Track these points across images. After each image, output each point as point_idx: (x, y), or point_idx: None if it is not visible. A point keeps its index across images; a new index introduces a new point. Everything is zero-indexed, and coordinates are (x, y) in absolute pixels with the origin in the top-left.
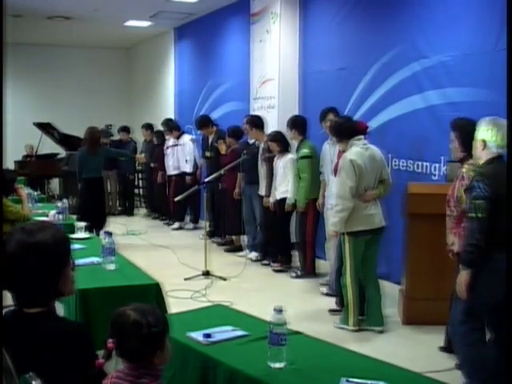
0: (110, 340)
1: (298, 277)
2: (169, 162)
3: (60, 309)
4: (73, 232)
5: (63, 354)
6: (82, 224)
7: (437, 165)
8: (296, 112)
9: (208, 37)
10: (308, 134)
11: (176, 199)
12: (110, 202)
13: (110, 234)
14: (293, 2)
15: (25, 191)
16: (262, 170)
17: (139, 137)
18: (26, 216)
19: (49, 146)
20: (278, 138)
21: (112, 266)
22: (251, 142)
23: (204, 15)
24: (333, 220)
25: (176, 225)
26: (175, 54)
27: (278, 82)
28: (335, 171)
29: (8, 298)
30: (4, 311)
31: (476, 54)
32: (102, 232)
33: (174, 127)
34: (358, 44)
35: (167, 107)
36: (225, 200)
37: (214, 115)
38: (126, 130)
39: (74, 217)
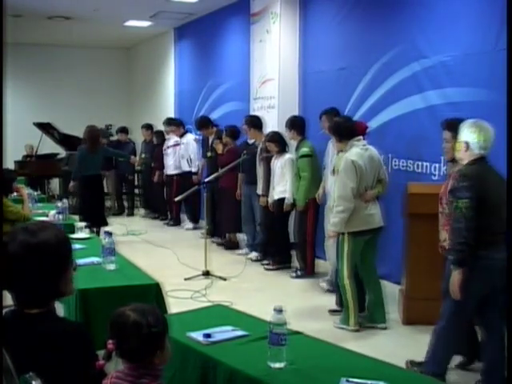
0: (110, 341)
1: (298, 277)
2: (169, 162)
3: (60, 309)
4: (73, 232)
5: (63, 354)
6: (82, 224)
7: (437, 165)
8: (296, 112)
9: (208, 37)
10: (308, 134)
11: (176, 199)
12: (108, 202)
13: (110, 233)
14: (293, 1)
15: (26, 191)
16: (260, 169)
17: (139, 137)
18: (27, 216)
19: (49, 146)
20: (276, 138)
21: (112, 266)
22: (251, 142)
23: (204, 15)
24: (333, 220)
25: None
26: (175, 54)
27: (278, 81)
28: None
29: (8, 298)
30: (4, 311)
31: (476, 54)
32: (102, 230)
33: (179, 124)
34: (358, 44)
35: (167, 107)
36: (222, 199)
37: (214, 115)
38: (124, 130)
39: (75, 217)
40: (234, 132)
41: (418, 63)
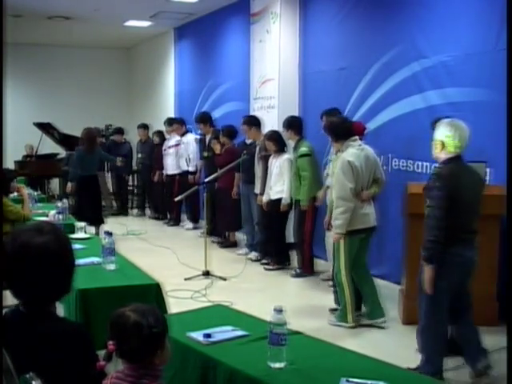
0: (111, 342)
1: (297, 275)
2: (170, 162)
3: (60, 309)
4: (73, 232)
5: (63, 355)
6: (82, 224)
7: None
8: (296, 112)
9: (208, 37)
10: (308, 134)
11: (176, 199)
12: (104, 202)
13: (110, 233)
14: (293, 1)
15: (26, 191)
16: (258, 168)
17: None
18: (26, 216)
19: (49, 146)
20: (275, 137)
21: (112, 266)
22: (248, 141)
23: (204, 15)
24: (337, 223)
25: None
26: (175, 54)
27: (278, 82)
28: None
29: (8, 298)
30: (4, 311)
31: (476, 54)
32: (100, 228)
33: (182, 123)
34: (358, 44)
35: (167, 107)
36: (220, 198)
37: (214, 115)
38: (119, 131)
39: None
40: (231, 132)
41: (418, 63)
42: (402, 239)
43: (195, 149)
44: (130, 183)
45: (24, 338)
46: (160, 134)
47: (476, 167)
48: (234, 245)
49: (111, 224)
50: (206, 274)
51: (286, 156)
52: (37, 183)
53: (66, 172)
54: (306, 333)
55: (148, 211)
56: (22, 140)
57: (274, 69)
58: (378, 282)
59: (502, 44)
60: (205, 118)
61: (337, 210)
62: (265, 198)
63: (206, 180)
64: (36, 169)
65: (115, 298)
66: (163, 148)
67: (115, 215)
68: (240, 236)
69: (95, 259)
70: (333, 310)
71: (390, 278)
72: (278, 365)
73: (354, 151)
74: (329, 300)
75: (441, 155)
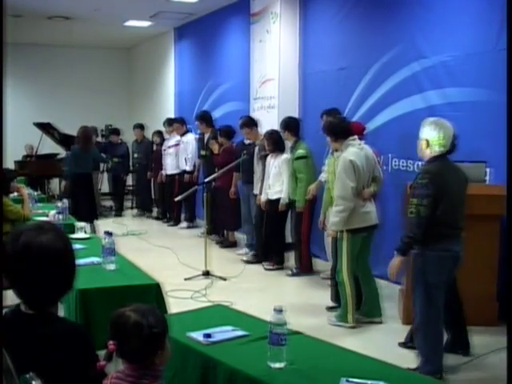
0: (111, 342)
1: (293, 274)
2: (169, 162)
3: (60, 309)
4: (73, 232)
5: (63, 355)
6: (82, 224)
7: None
8: (296, 112)
9: (208, 37)
10: (308, 135)
11: (176, 199)
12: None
13: (110, 233)
14: (293, 1)
15: (26, 191)
16: (258, 168)
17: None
18: (27, 216)
19: (49, 146)
20: (274, 137)
21: (112, 266)
22: (247, 142)
23: (204, 15)
24: (334, 220)
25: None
26: (175, 54)
27: (278, 82)
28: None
29: (8, 298)
30: (4, 311)
31: (476, 54)
32: (93, 224)
33: (183, 122)
34: (358, 44)
35: (167, 107)
36: (218, 197)
37: (214, 115)
38: (115, 132)
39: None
40: (228, 132)
41: (418, 63)
42: None
43: (194, 148)
44: (129, 183)
45: (24, 338)
46: (160, 134)
47: (472, 167)
48: (233, 244)
49: (111, 224)
50: (206, 274)
51: (284, 156)
52: (37, 183)
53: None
54: (307, 332)
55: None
56: (22, 140)
57: (274, 69)
58: (378, 281)
59: (502, 44)
60: (205, 117)
61: (336, 207)
62: (263, 198)
63: (206, 180)
64: (36, 169)
65: (115, 298)
66: (163, 148)
67: (107, 216)
68: (239, 235)
69: (95, 259)
70: (330, 308)
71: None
72: (278, 365)
73: (355, 150)
74: (329, 299)
75: (426, 154)
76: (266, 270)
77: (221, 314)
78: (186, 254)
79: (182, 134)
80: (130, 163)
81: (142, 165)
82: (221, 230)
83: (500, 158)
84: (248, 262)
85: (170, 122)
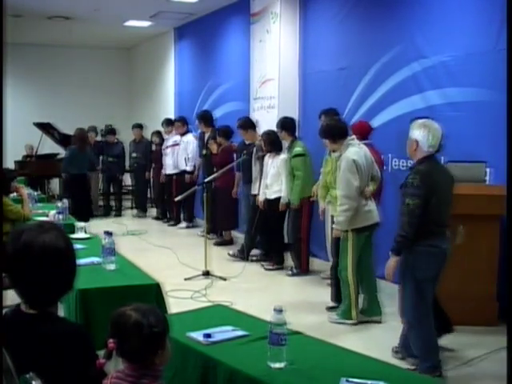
0: (111, 340)
1: (293, 274)
2: (168, 161)
3: (60, 309)
4: (73, 232)
5: (63, 355)
6: (82, 224)
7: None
8: (296, 112)
9: (208, 37)
10: (308, 134)
11: (176, 199)
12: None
13: (110, 233)
14: (293, 1)
15: (26, 191)
16: (255, 169)
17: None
18: (27, 216)
19: (49, 146)
20: (271, 137)
21: (112, 266)
22: (247, 142)
23: (204, 15)
24: (339, 219)
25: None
26: (175, 54)
27: (278, 82)
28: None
29: (8, 298)
30: (4, 311)
31: (476, 54)
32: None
33: (183, 122)
34: (358, 44)
35: (167, 107)
36: (217, 197)
37: (215, 115)
38: (112, 131)
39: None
40: (227, 132)
41: (418, 63)
42: None
43: (195, 148)
44: (127, 183)
45: (24, 338)
46: (159, 134)
47: (472, 167)
48: (229, 243)
49: (111, 224)
50: (206, 274)
51: (282, 156)
52: (37, 183)
53: None
54: (308, 331)
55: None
56: (22, 140)
57: (274, 69)
58: (379, 281)
59: (502, 44)
60: (205, 117)
61: (341, 207)
62: (261, 198)
63: (206, 180)
64: (36, 169)
65: (115, 298)
66: (163, 147)
67: (103, 216)
68: (236, 234)
69: (95, 259)
70: (330, 308)
71: None
72: (278, 365)
73: (357, 150)
74: (329, 298)
75: (415, 154)
76: (266, 269)
77: (221, 314)
78: (186, 254)
79: (183, 134)
80: (127, 163)
81: (140, 165)
82: (219, 230)
83: (500, 158)
84: (233, 255)
85: (168, 122)
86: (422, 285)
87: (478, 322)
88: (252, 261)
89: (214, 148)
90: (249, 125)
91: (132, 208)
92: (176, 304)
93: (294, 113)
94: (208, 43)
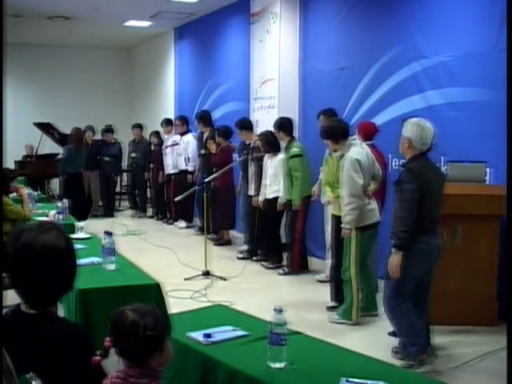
0: (108, 338)
1: (284, 274)
2: (168, 161)
3: (60, 309)
4: (73, 232)
5: (63, 355)
6: (82, 224)
7: (437, 165)
8: (296, 112)
9: (208, 37)
10: (308, 134)
11: (176, 199)
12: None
13: (110, 233)
14: (293, 1)
15: (25, 191)
16: (251, 169)
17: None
18: (27, 216)
19: (49, 146)
20: (268, 137)
21: (112, 266)
22: (248, 142)
23: (204, 15)
24: (347, 218)
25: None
26: (175, 54)
27: (278, 82)
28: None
29: (8, 298)
30: (4, 311)
31: (476, 54)
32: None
33: (183, 121)
34: (358, 44)
35: (167, 107)
36: (215, 197)
37: (215, 115)
38: (110, 130)
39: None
40: (226, 132)
41: (418, 63)
42: None
43: (195, 148)
44: (123, 184)
45: (24, 338)
46: (157, 134)
47: (472, 167)
48: (228, 243)
49: (111, 224)
50: (206, 274)
51: (280, 156)
52: (37, 183)
53: None
54: (308, 331)
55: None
56: (22, 140)
57: (274, 69)
58: (379, 281)
59: (502, 44)
60: (204, 117)
61: (347, 206)
62: (260, 198)
63: (206, 180)
64: (36, 169)
65: (115, 298)
66: (162, 147)
67: (100, 216)
68: (234, 234)
69: (95, 259)
70: (330, 308)
71: None
72: (278, 365)
73: (359, 149)
74: (328, 297)
75: (408, 152)
76: (267, 268)
77: (221, 313)
78: (186, 254)
79: (182, 134)
80: (126, 163)
81: (139, 165)
82: (217, 229)
83: (500, 158)
84: (243, 258)
85: (167, 122)
86: (406, 279)
87: (478, 321)
88: (254, 260)
89: (213, 148)
90: (244, 125)
91: (131, 208)
92: (176, 304)
93: (294, 113)
94: (208, 43)
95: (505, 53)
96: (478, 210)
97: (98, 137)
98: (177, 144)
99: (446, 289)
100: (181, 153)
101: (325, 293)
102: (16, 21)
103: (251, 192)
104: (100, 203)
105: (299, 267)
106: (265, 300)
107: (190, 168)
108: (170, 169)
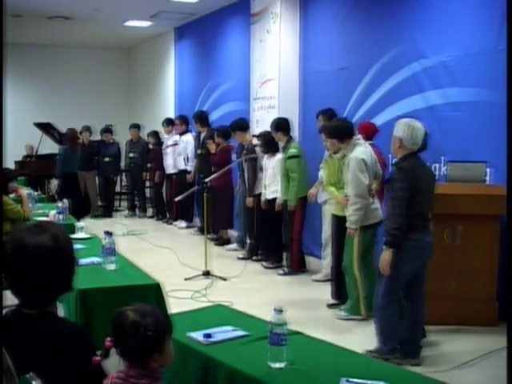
0: (108, 338)
1: (284, 274)
2: (168, 161)
3: (60, 309)
4: (73, 232)
5: (63, 355)
6: (82, 224)
7: (437, 165)
8: (296, 112)
9: (208, 37)
10: (307, 134)
11: (176, 199)
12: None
13: (110, 233)
14: (293, 1)
15: (25, 191)
16: (246, 170)
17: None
18: (27, 216)
19: (49, 146)
20: (266, 138)
21: (112, 266)
22: (243, 143)
23: (204, 15)
24: (352, 218)
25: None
26: (175, 54)
27: (278, 82)
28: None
29: (8, 298)
30: (4, 311)
31: (476, 54)
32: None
33: (183, 120)
34: (358, 44)
35: (167, 107)
36: (214, 197)
37: (215, 115)
38: (108, 131)
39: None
40: (225, 132)
41: (418, 63)
42: None
43: (193, 148)
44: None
45: (24, 339)
46: (155, 134)
47: (472, 167)
48: (227, 242)
49: (111, 224)
50: (206, 274)
51: (278, 156)
52: (37, 183)
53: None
54: (308, 331)
55: (138, 211)
56: (22, 140)
57: (273, 69)
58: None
59: (502, 44)
60: (201, 117)
61: (353, 206)
62: (262, 198)
63: (207, 180)
64: (36, 169)
65: (115, 298)
66: (163, 147)
67: (98, 217)
68: (233, 233)
69: (95, 259)
70: (331, 305)
71: None
72: (278, 365)
73: (364, 149)
74: (329, 295)
75: (399, 151)
76: (266, 268)
77: (221, 314)
78: (186, 254)
79: (182, 134)
80: (123, 163)
81: (137, 165)
82: (216, 228)
83: (500, 158)
84: (243, 258)
85: (168, 122)
86: (398, 276)
87: (478, 321)
88: (254, 260)
89: (212, 148)
90: (238, 126)
91: (130, 208)
92: (176, 304)
93: (294, 113)
94: (208, 43)
95: (505, 53)
96: (478, 210)
97: (97, 137)
98: (177, 144)
99: (446, 289)
100: (180, 152)
101: (325, 291)
102: (16, 21)
103: (246, 192)
104: (100, 203)
105: (298, 267)
106: (265, 300)
107: (188, 168)
108: (170, 169)
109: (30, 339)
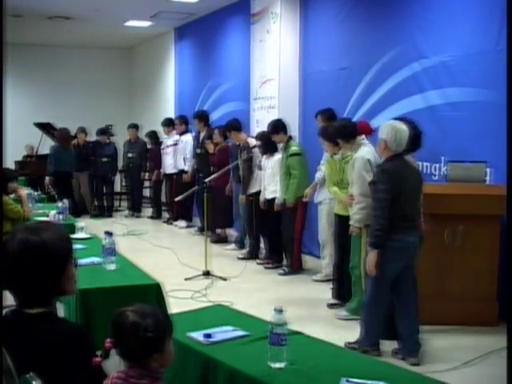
0: (109, 339)
1: (285, 274)
2: (168, 161)
3: (60, 309)
4: (73, 232)
5: (63, 355)
6: (82, 224)
7: (437, 165)
8: (296, 112)
9: (208, 37)
10: (308, 134)
11: (176, 199)
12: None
13: (110, 233)
14: (293, 1)
15: (24, 191)
16: (241, 169)
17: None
18: (26, 216)
19: (49, 146)
20: (264, 138)
21: (112, 266)
22: (237, 143)
23: (204, 15)
24: (356, 217)
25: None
26: (175, 54)
27: (278, 82)
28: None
29: (8, 298)
30: (4, 311)
31: (476, 54)
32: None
33: (183, 120)
34: (358, 44)
35: (167, 107)
36: (213, 196)
37: (215, 115)
38: (104, 132)
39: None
40: (225, 131)
41: (419, 63)
42: None
43: (192, 148)
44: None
45: (24, 339)
46: (153, 134)
47: (472, 167)
48: (225, 240)
49: (111, 224)
50: (207, 274)
51: (277, 156)
52: (37, 183)
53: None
54: (308, 330)
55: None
56: (22, 140)
57: (274, 69)
58: None
59: (502, 44)
60: (202, 116)
61: (358, 205)
62: (261, 198)
63: (207, 180)
64: (36, 169)
65: (115, 298)
66: (162, 147)
67: (96, 217)
68: (231, 232)
69: (95, 259)
70: (331, 305)
71: None
72: (278, 365)
73: (368, 149)
74: (329, 294)
75: (383, 153)
76: (266, 268)
77: (221, 313)
78: (186, 254)
79: (181, 134)
80: (121, 163)
81: (135, 164)
82: (215, 228)
83: (500, 158)
84: (243, 258)
85: (168, 122)
86: (384, 276)
87: (477, 321)
88: (258, 264)
89: (210, 147)
90: (231, 127)
91: (130, 208)
92: (176, 304)
93: (294, 113)
94: (208, 43)
95: (505, 53)
96: (479, 210)
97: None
98: (177, 144)
99: (446, 289)
100: (180, 152)
101: (325, 291)
102: (16, 21)
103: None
104: (96, 203)
105: (298, 267)
106: (265, 300)
107: (186, 168)
108: (170, 168)
109: (30, 339)
